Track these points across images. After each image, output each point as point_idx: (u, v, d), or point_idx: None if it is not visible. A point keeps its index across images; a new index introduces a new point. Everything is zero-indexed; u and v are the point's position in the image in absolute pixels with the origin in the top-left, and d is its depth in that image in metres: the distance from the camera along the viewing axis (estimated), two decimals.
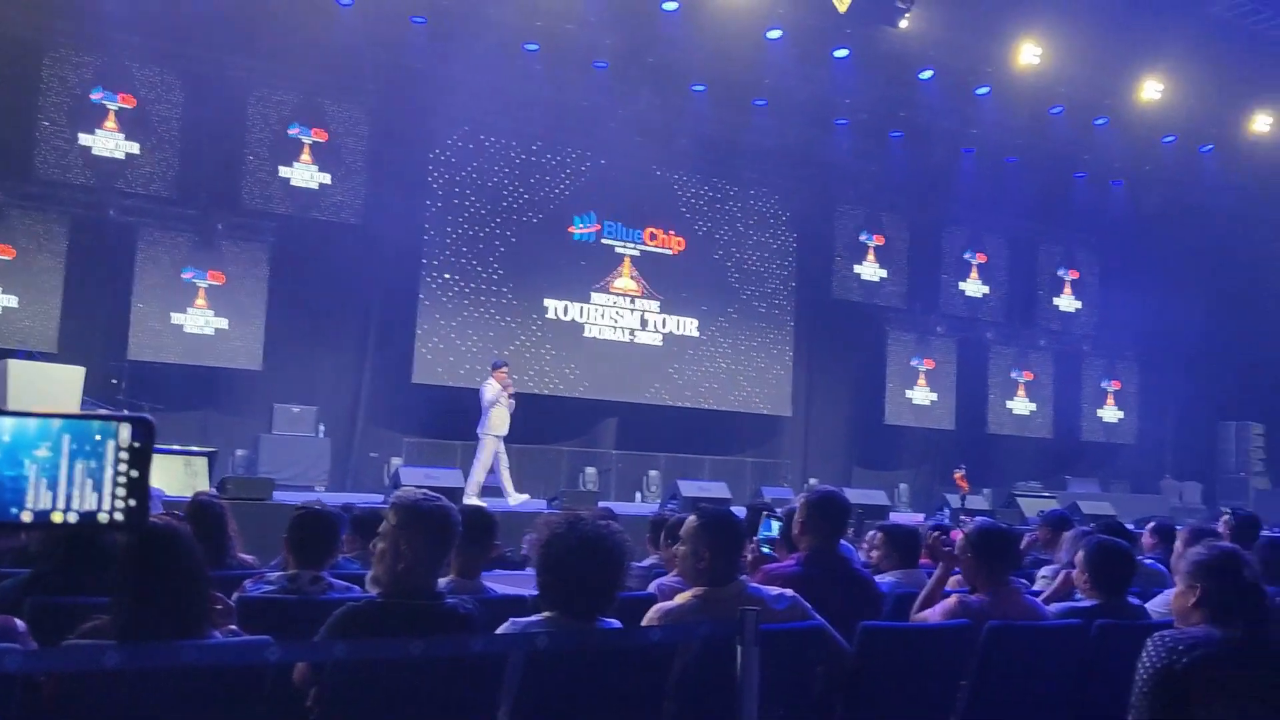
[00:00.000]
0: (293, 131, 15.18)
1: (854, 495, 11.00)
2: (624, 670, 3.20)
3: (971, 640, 3.90)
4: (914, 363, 19.75)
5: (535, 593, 3.34)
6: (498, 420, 12.47)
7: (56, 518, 1.61)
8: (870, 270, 19.48)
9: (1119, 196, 20.25)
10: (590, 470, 16.59)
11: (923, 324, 19.95)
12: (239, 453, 14.43)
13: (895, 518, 11.52)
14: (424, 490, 3.33)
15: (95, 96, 14.12)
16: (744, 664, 2.89)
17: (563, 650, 3.04)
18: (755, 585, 3.82)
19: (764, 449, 18.57)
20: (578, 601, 3.20)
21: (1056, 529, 6.47)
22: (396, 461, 14.86)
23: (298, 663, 3.11)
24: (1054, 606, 4.44)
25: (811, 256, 18.98)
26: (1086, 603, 4.33)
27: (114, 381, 13.31)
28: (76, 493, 1.61)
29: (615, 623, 3.28)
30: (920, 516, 14.08)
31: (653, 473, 16.98)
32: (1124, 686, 3.02)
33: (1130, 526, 7.13)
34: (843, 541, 4.82)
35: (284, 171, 15.11)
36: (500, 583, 4.66)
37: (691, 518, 3.81)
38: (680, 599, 3.65)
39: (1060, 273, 21.46)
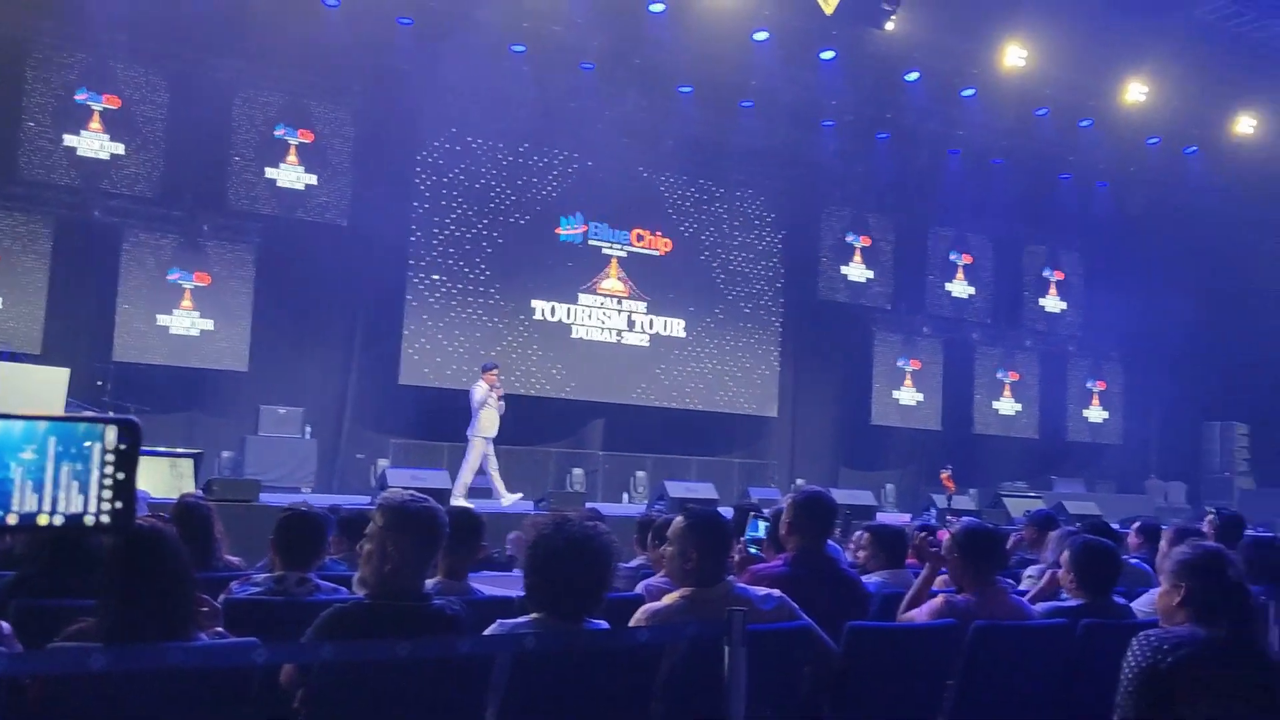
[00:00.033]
0: (279, 132, 15.15)
1: (841, 496, 11.01)
2: (612, 671, 3.20)
3: (958, 640, 3.91)
4: (900, 363, 19.80)
5: (522, 594, 3.33)
6: (486, 422, 12.47)
7: (43, 520, 1.60)
8: (856, 271, 19.53)
9: (1104, 198, 20.33)
10: (577, 471, 16.58)
11: (909, 325, 20.00)
12: (225, 454, 14.38)
13: (882, 518, 11.54)
14: (411, 491, 3.33)
15: (80, 97, 14.07)
16: (731, 664, 2.89)
17: (550, 651, 3.04)
18: (743, 586, 3.82)
19: (751, 450, 18.59)
20: (565, 602, 3.20)
21: (1042, 529, 6.49)
22: (383, 463, 14.83)
23: (285, 664, 3.10)
24: (1040, 606, 4.46)
25: (798, 257, 19.01)
26: (1072, 602, 4.34)
27: (99, 383, 13.25)
28: (62, 495, 1.61)
29: (603, 624, 3.28)
30: (907, 517, 14.12)
31: (640, 474, 16.98)
32: (1110, 685, 3.03)
33: (1116, 526, 7.16)
34: (830, 542, 4.83)
35: (270, 172, 15.08)
36: (487, 584, 4.66)
37: (679, 518, 3.81)
38: (668, 600, 3.66)
39: (1045, 273, 21.54)
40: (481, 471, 12.61)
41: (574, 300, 17.01)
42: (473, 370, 15.48)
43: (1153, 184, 19.91)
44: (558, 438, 16.88)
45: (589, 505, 10.70)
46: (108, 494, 1.63)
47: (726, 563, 3.80)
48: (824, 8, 14.56)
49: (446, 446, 14.99)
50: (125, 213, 14.38)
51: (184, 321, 14.51)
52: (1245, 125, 18.43)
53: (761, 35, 15.81)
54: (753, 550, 4.82)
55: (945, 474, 15.39)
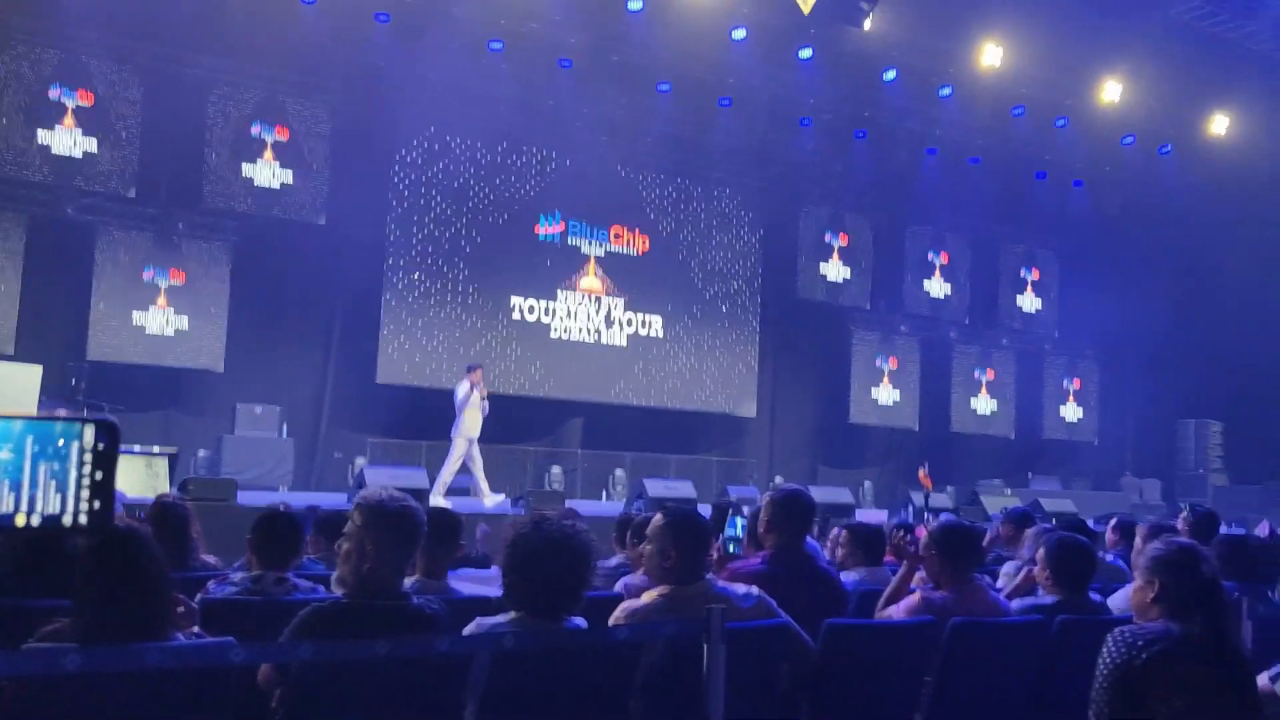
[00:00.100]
0: (255, 130, 15.07)
1: (819, 494, 10.96)
2: (591, 669, 3.20)
3: (935, 637, 3.93)
4: (878, 362, 19.86)
5: (501, 593, 3.33)
6: (469, 422, 12.43)
7: (20, 521, 1.59)
8: (835, 270, 19.58)
9: (1080, 197, 20.46)
10: (556, 470, 16.57)
11: (887, 323, 20.08)
12: (201, 453, 14.30)
13: (860, 516, 11.59)
14: (389, 490, 3.32)
15: (53, 94, 13.95)
16: (710, 662, 2.90)
17: (529, 650, 3.04)
18: (721, 584, 3.83)
19: (729, 448, 18.62)
20: (544, 601, 3.20)
21: (1019, 526, 6.52)
22: (361, 462, 14.78)
23: (262, 664, 3.09)
24: (1016, 603, 4.48)
25: (776, 256, 19.05)
26: (1048, 599, 4.37)
27: (73, 382, 13.13)
28: (40, 495, 1.59)
29: (582, 622, 3.28)
30: (885, 514, 14.18)
31: (619, 472, 16.98)
32: (1085, 681, 3.05)
33: (1091, 523, 7.21)
34: (808, 539, 4.84)
35: (246, 170, 15.00)
36: (466, 583, 4.65)
37: (658, 517, 3.81)
38: (647, 598, 3.66)
39: (1022, 272, 21.66)
40: (466, 471, 12.59)
41: (552, 298, 17.00)
42: (451, 369, 15.49)
43: (1128, 183, 20.04)
44: (536, 436, 16.86)
45: (567, 504, 10.70)
46: (86, 494, 1.62)
47: (705, 561, 3.80)
48: (801, 6, 14.59)
49: (424, 445, 14.96)
50: (99, 210, 14.28)
51: (159, 320, 14.42)
52: (1219, 125, 18.56)
53: (740, 33, 15.83)
54: (731, 548, 4.82)
55: (923, 472, 15.45)
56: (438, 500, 11.24)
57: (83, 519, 1.62)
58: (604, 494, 16.71)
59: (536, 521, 3.31)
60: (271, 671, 3.08)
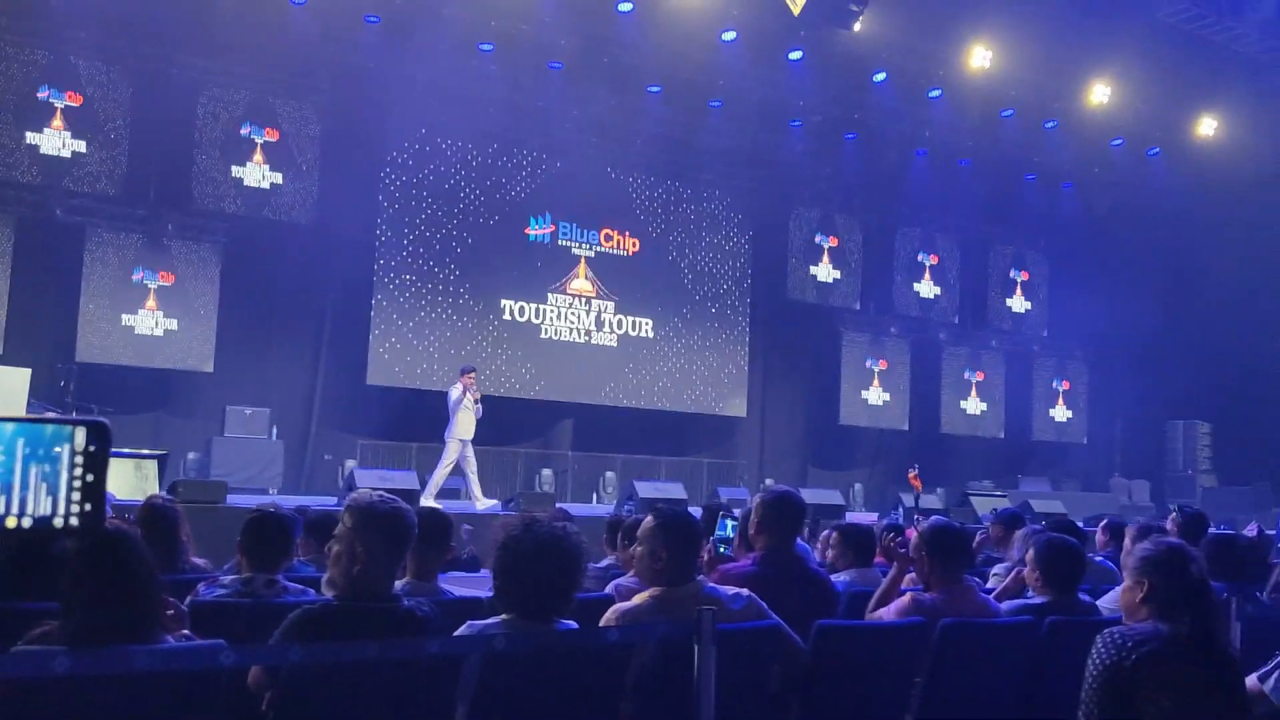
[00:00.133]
0: (244, 131, 15.04)
1: (809, 495, 11.06)
2: (582, 671, 3.20)
3: (925, 638, 3.94)
4: (868, 363, 19.89)
5: (492, 594, 3.33)
6: (461, 424, 12.42)
7: (11, 523, 1.59)
8: (825, 271, 19.61)
9: (1069, 198, 20.53)
10: (547, 472, 16.57)
11: (877, 325, 20.11)
12: (190, 455, 14.25)
13: (850, 517, 11.60)
14: (379, 492, 3.32)
15: (42, 94, 13.90)
16: (701, 663, 2.90)
17: (520, 652, 3.04)
18: (712, 585, 3.83)
19: (720, 450, 18.63)
20: (535, 603, 3.20)
21: (1009, 527, 6.54)
22: (351, 464, 14.75)
23: (252, 667, 3.08)
24: (1006, 604, 4.49)
25: (766, 258, 19.07)
26: (1038, 600, 4.38)
27: (62, 384, 13.08)
28: (31, 497, 1.59)
29: (573, 624, 3.28)
30: (875, 516, 14.19)
31: (609, 474, 16.98)
32: (1075, 682, 3.06)
33: (1081, 524, 7.23)
34: (799, 541, 4.85)
35: (236, 171, 14.96)
36: (457, 584, 4.65)
37: (649, 518, 3.81)
38: (638, 599, 3.66)
39: (1012, 274, 21.72)
40: (458, 473, 12.57)
41: (543, 300, 17.00)
42: (442, 370, 15.50)
43: (1117, 185, 20.11)
44: (527, 438, 16.85)
45: (558, 506, 10.69)
46: (77, 496, 1.62)
47: (696, 562, 3.80)
48: (791, 8, 14.61)
49: (414, 447, 14.95)
50: (88, 211, 14.23)
51: (148, 321, 14.38)
52: (1207, 127, 18.64)
53: (729, 35, 15.85)
54: (722, 550, 4.83)
55: (913, 473, 15.46)
56: (428, 502, 11.21)
57: (74, 521, 1.62)
58: (594, 496, 16.71)
59: (527, 523, 3.31)
60: (262, 674, 3.08)
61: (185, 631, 2.94)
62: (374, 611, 3.10)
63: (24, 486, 1.59)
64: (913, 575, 4.53)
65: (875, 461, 19.93)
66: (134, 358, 14.24)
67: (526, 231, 16.92)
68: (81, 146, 14.07)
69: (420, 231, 16.17)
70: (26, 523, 1.60)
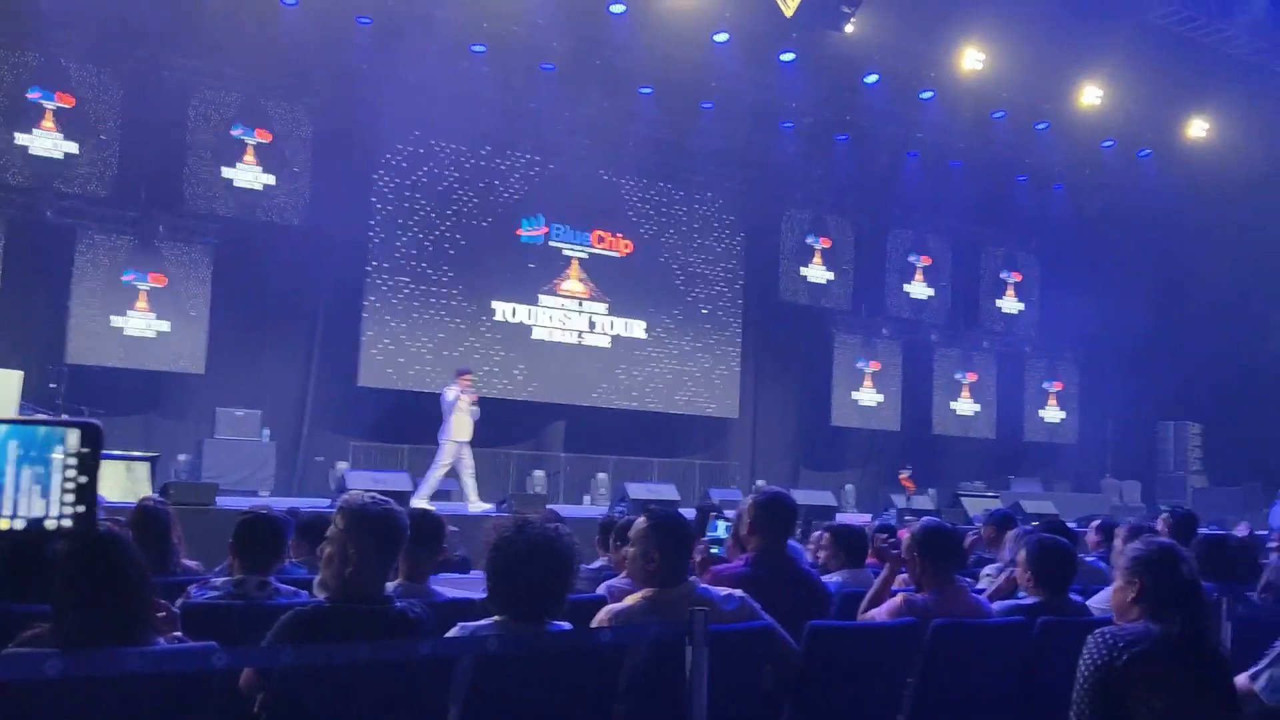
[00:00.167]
0: (236, 132, 15.01)
1: (801, 496, 11.02)
2: (574, 672, 3.20)
3: (917, 638, 3.95)
4: (860, 365, 19.92)
5: (484, 596, 3.33)
6: (456, 426, 12.40)
7: (3, 524, 1.59)
8: (817, 273, 19.63)
9: (1060, 200, 20.59)
10: (538, 473, 16.54)
11: (868, 326, 20.13)
12: (182, 457, 14.22)
13: (842, 518, 11.59)
14: (371, 494, 3.31)
15: (32, 96, 13.86)
16: (693, 664, 2.91)
17: (512, 653, 3.04)
18: (704, 586, 3.83)
19: (712, 451, 18.63)
20: (527, 604, 3.20)
21: (1000, 528, 6.54)
22: (343, 465, 14.73)
23: (244, 669, 3.08)
24: (998, 604, 4.50)
25: (758, 259, 19.09)
26: (1029, 600, 4.39)
27: (52, 386, 13.06)
28: (24, 499, 1.59)
29: (565, 625, 3.28)
30: (867, 517, 14.17)
31: (601, 475, 16.96)
32: (1067, 682, 3.07)
33: (1072, 525, 7.25)
34: (791, 542, 4.85)
35: (227, 172, 14.93)
36: (449, 586, 4.65)
37: (641, 520, 3.82)
38: (630, 600, 3.66)
39: (1003, 275, 21.76)
40: (452, 475, 12.55)
41: (535, 301, 16.99)
42: (434, 372, 15.49)
43: (1108, 186, 20.17)
44: (519, 439, 16.83)
45: (550, 507, 10.67)
46: (69, 497, 1.62)
47: (688, 563, 3.81)
48: (784, 10, 14.63)
49: (406, 449, 14.93)
50: (79, 213, 14.19)
51: (139, 323, 14.34)
52: (1198, 128, 18.70)
53: (722, 37, 15.87)
54: (714, 551, 4.83)
55: (904, 475, 15.51)
56: (420, 503, 11.19)
57: (66, 523, 1.62)
58: (586, 497, 16.69)
59: (519, 525, 3.30)
60: (254, 676, 3.07)
61: (177, 633, 2.94)
62: (366, 613, 3.09)
63: (17, 488, 1.59)
64: (904, 576, 4.54)
65: (867, 462, 19.95)
66: (125, 359, 14.20)
67: (519, 233, 16.92)
68: (72, 148, 14.04)
69: (413, 233, 16.15)
70: (19, 524, 1.60)
